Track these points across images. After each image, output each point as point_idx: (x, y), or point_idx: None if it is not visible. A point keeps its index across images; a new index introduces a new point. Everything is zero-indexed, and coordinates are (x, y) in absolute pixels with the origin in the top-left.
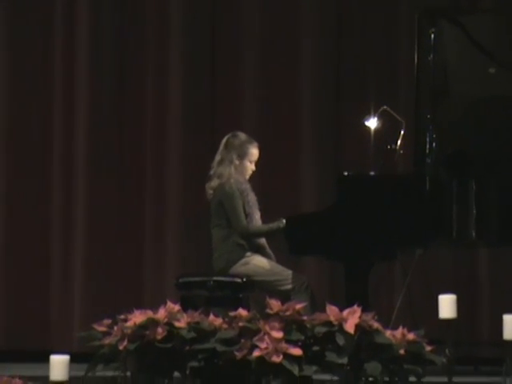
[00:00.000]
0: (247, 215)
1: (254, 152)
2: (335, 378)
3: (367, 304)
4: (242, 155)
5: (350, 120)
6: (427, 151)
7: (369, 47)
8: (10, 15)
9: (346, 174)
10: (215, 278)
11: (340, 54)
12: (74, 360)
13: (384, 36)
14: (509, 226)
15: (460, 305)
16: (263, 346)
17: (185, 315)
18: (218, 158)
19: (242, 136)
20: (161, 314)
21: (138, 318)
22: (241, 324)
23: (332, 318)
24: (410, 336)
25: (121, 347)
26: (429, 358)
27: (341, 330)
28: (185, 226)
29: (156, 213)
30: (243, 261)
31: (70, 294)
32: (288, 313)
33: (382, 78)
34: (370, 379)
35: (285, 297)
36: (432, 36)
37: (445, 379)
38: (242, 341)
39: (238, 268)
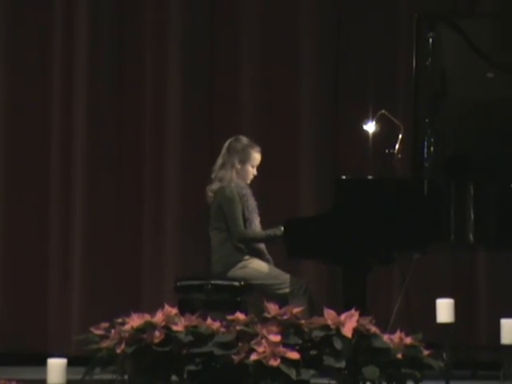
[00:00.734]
0: (246, 220)
1: (256, 157)
2: (333, 382)
3: (365, 308)
4: (244, 159)
5: (348, 124)
6: (425, 155)
7: (367, 51)
8: (8, 14)
9: (344, 177)
10: (213, 282)
11: (338, 57)
12: (71, 363)
13: (382, 40)
14: (507, 229)
15: (458, 309)
16: (261, 349)
17: (182, 319)
18: (219, 161)
19: (245, 140)
20: (158, 317)
21: (135, 321)
22: (238, 328)
23: (330, 322)
24: (408, 340)
25: (118, 350)
26: (426, 362)
27: (338, 333)
28: (183, 229)
29: (154, 215)
30: (241, 264)
31: (67, 297)
32: (286, 317)
33: (380, 82)
34: (368, 383)
35: (283, 300)
36: (430, 40)
37: (442, 383)
38: (240, 344)
39: (236, 271)
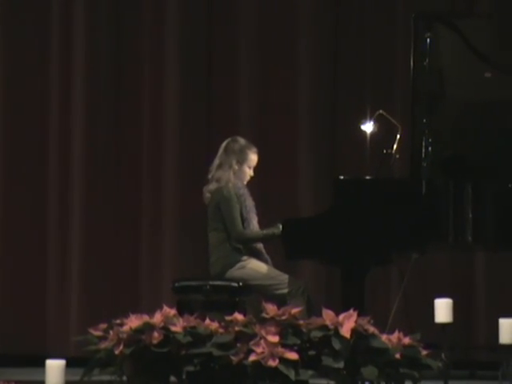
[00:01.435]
0: (244, 220)
1: (254, 158)
2: (331, 382)
3: (363, 308)
4: (242, 160)
5: (346, 124)
6: (423, 155)
7: (365, 51)
8: (6, 14)
9: (342, 177)
10: (211, 283)
11: (336, 58)
12: (70, 364)
13: (380, 40)
14: (505, 229)
15: (456, 309)
16: (259, 350)
17: (181, 319)
18: (217, 161)
19: (242, 141)
20: (157, 318)
21: (133, 322)
22: (237, 328)
23: (328, 323)
24: (406, 340)
25: (117, 352)
26: (425, 362)
27: (337, 334)
28: (181, 230)
29: (152, 216)
30: (239, 265)
31: (66, 298)
32: (284, 317)
33: (378, 83)
34: (367, 383)
35: (281, 301)
36: (428, 40)
37: (441, 383)
38: (238, 345)
39: (235, 272)
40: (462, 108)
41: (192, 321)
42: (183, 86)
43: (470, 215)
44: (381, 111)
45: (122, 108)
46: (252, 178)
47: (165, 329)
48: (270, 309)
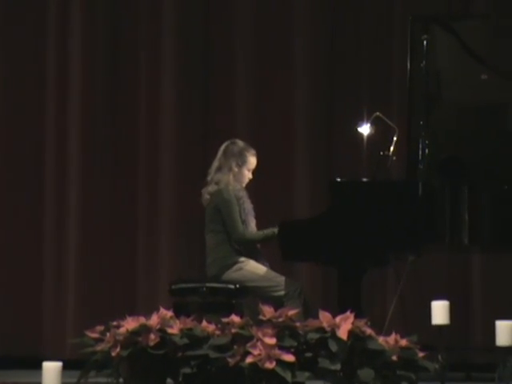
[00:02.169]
0: (243, 223)
1: (252, 160)
2: None
3: (360, 310)
4: (241, 163)
5: (343, 126)
6: (420, 157)
7: (362, 54)
8: (3, 15)
9: (338, 180)
10: (208, 285)
11: (333, 59)
12: (66, 367)
13: (377, 42)
14: (501, 231)
15: (453, 311)
16: (256, 352)
17: (177, 321)
18: (216, 164)
19: (241, 144)
20: (153, 320)
21: (130, 324)
22: (233, 330)
23: (325, 324)
24: (403, 342)
25: (113, 354)
26: (421, 364)
27: (334, 336)
28: (178, 232)
29: (149, 218)
30: (236, 266)
31: (62, 300)
32: (281, 319)
33: (374, 85)
34: None
35: (278, 303)
36: (425, 42)
37: None
38: (235, 347)
39: (232, 274)
40: (458, 110)
41: (189, 323)
42: (180, 87)
43: (467, 217)
44: (377, 113)
45: (118, 109)
46: (250, 180)
47: (161, 331)
48: (267, 311)
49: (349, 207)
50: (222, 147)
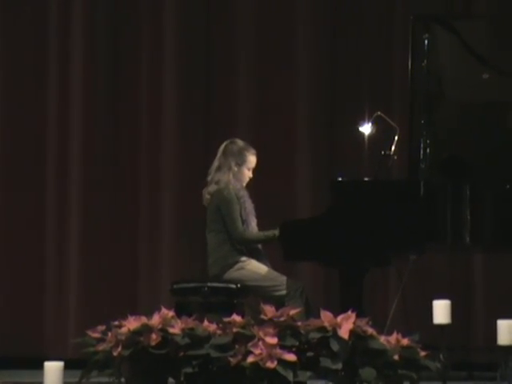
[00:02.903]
0: (243, 222)
1: (252, 159)
2: (329, 383)
3: (362, 309)
4: (241, 162)
5: (344, 126)
6: (421, 157)
7: (363, 53)
8: (4, 15)
9: (340, 179)
10: (209, 284)
11: (334, 59)
12: (68, 366)
13: (378, 41)
14: (503, 231)
15: (454, 310)
16: (257, 351)
17: (179, 321)
18: (216, 164)
19: (241, 143)
20: (155, 320)
21: (132, 324)
22: (235, 330)
23: (326, 324)
24: (405, 341)
25: (115, 353)
26: (423, 363)
27: (335, 335)
28: (179, 231)
29: (151, 218)
30: (238, 266)
31: (64, 300)
32: (282, 318)
33: (376, 84)
34: None
35: (279, 303)
36: (426, 41)
37: None
38: (237, 347)
39: (233, 273)
40: (460, 109)
41: (190, 322)
42: (182, 87)
43: (468, 216)
44: (379, 113)
45: (120, 109)
46: (250, 179)
47: (163, 330)
48: (268, 310)
49: (350, 207)
50: (222, 147)
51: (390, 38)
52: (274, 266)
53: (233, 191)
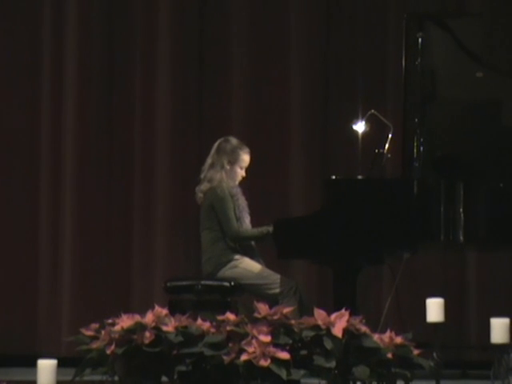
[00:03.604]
0: (237, 219)
1: (245, 158)
2: (323, 382)
3: (355, 308)
4: (233, 161)
5: (337, 124)
6: (415, 155)
7: (357, 51)
8: None
9: (333, 177)
10: (203, 282)
11: (328, 58)
12: (61, 364)
13: (372, 40)
14: (496, 229)
15: (448, 308)
16: (251, 349)
17: (172, 319)
18: (209, 161)
19: (234, 141)
20: (148, 318)
21: (125, 322)
22: (228, 328)
23: (320, 322)
24: (398, 340)
25: (108, 351)
26: (417, 361)
27: (329, 333)
28: (173, 229)
29: (144, 216)
30: (232, 264)
31: (57, 298)
32: (276, 317)
33: (369, 82)
34: (358, 383)
35: (273, 301)
36: (420, 40)
37: (433, 383)
38: (230, 345)
39: (227, 271)
40: (453, 108)
41: (184, 321)
42: (175, 85)
43: (462, 215)
44: (372, 111)
45: (113, 108)
46: (243, 177)
47: (156, 329)
48: (262, 308)
49: (344, 205)
50: (216, 144)
51: (383, 37)
52: (267, 264)
53: (226, 189)
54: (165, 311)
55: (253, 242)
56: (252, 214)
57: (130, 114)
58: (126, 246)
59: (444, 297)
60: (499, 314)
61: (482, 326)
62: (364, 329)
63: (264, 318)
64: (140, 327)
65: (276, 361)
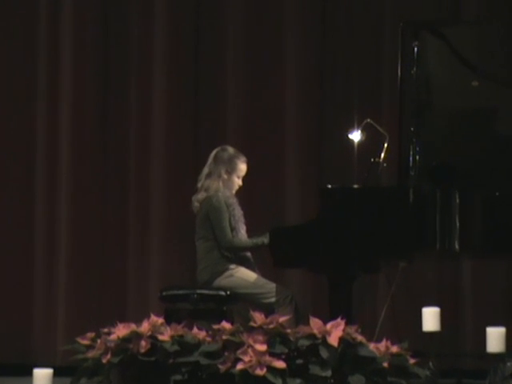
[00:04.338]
0: (233, 229)
1: (242, 167)
2: None
3: (351, 316)
4: (231, 170)
5: (333, 133)
6: (411, 164)
7: (352, 60)
8: None
9: (329, 186)
10: (199, 291)
11: (324, 66)
12: (57, 373)
13: (367, 49)
14: (492, 238)
15: (443, 317)
16: (247, 358)
17: (168, 328)
18: (206, 170)
19: (231, 150)
20: (144, 327)
21: (121, 331)
22: (224, 337)
23: (316, 331)
24: (394, 349)
25: (104, 360)
26: (412, 370)
27: (324, 342)
28: (169, 238)
29: (140, 225)
30: (227, 273)
31: (53, 307)
32: (272, 326)
33: (365, 91)
34: None
35: (269, 310)
36: (415, 49)
37: None
38: (226, 354)
39: (222, 280)
40: (449, 116)
41: (179, 329)
42: (171, 91)
43: (458, 223)
44: (368, 120)
45: (109, 111)
46: (240, 187)
47: (152, 337)
48: (258, 317)
49: (339, 214)
50: (213, 153)
51: (379, 45)
52: (263, 273)
53: (222, 199)
54: (161, 320)
55: (248, 252)
56: (248, 223)
57: (126, 118)
58: (122, 254)
59: (440, 306)
60: (495, 322)
61: (478, 334)
62: (360, 338)
63: (260, 326)
64: (136, 336)
65: (272, 370)
